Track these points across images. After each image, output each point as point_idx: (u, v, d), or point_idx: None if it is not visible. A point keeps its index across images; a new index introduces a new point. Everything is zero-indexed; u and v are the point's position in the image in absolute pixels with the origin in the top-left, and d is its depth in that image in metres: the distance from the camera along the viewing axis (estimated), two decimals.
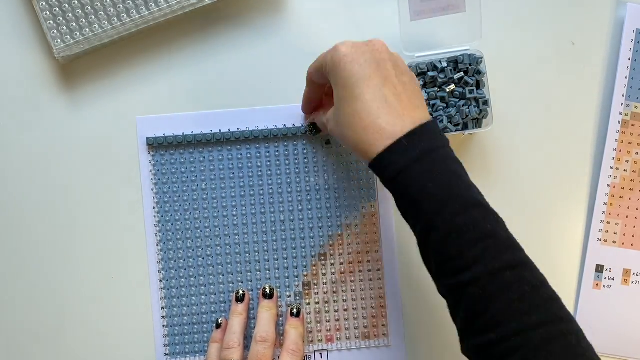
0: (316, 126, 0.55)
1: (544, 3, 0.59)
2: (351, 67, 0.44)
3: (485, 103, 0.54)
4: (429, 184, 0.41)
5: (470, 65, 0.54)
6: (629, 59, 0.58)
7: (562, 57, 0.59)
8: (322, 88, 0.52)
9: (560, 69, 0.59)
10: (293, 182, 0.57)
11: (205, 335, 0.56)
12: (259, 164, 0.57)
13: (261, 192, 0.57)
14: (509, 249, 0.41)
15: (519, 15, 0.59)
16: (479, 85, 0.54)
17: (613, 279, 0.58)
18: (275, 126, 0.57)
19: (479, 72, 0.54)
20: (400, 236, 0.57)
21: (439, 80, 0.54)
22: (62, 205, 0.57)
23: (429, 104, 0.54)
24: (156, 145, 0.57)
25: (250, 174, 0.57)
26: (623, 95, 0.58)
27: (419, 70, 0.54)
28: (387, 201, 0.57)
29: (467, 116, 0.54)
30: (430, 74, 0.54)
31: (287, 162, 0.57)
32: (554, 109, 0.59)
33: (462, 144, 0.58)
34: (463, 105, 0.54)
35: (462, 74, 0.54)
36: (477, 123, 0.54)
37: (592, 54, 0.59)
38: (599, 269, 0.58)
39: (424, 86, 0.54)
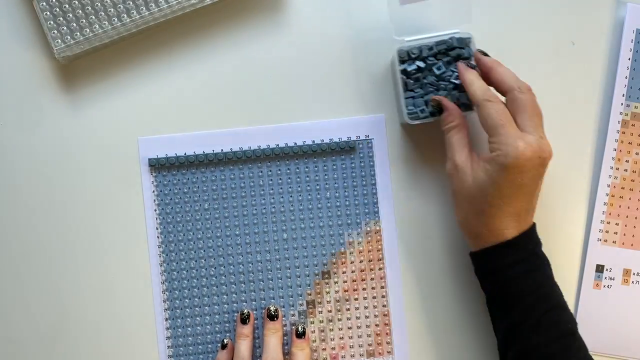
0: (441, 108, 0.52)
1: (544, 3, 0.59)
2: (514, 178, 0.47)
3: None
4: (528, 284, 0.48)
5: (459, 47, 0.54)
6: (629, 59, 0.58)
7: (562, 57, 0.59)
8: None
9: (560, 69, 0.59)
10: (295, 200, 0.57)
11: (210, 355, 0.56)
12: (261, 183, 0.57)
13: (264, 211, 0.57)
14: (580, 349, 0.48)
15: (519, 15, 0.59)
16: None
17: (613, 279, 0.58)
18: (277, 145, 0.57)
19: (469, 55, 0.54)
20: (404, 253, 0.57)
21: (428, 63, 0.54)
22: (62, 210, 0.57)
23: (421, 87, 0.54)
24: (158, 166, 0.56)
25: (253, 193, 0.57)
26: (623, 95, 0.58)
27: (411, 56, 0.54)
28: (390, 219, 0.57)
29: (457, 100, 0.53)
30: (418, 62, 0.53)
31: (289, 180, 0.57)
32: (554, 108, 0.59)
33: None
34: (453, 89, 0.54)
35: (456, 53, 0.53)
36: (468, 107, 0.54)
37: (592, 54, 0.59)
38: (599, 269, 0.58)
39: (416, 72, 0.54)
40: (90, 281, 0.56)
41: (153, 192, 0.56)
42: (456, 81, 0.54)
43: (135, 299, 0.56)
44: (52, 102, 0.57)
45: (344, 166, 0.57)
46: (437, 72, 0.54)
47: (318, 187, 0.57)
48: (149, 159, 0.56)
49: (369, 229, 0.57)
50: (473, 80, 0.50)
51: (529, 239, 0.49)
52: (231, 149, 0.57)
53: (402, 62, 0.54)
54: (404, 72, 0.54)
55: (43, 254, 0.56)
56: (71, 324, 0.56)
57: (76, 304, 0.56)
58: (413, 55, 0.54)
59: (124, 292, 0.56)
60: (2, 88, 0.57)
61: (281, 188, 0.57)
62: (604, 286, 0.58)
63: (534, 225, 0.50)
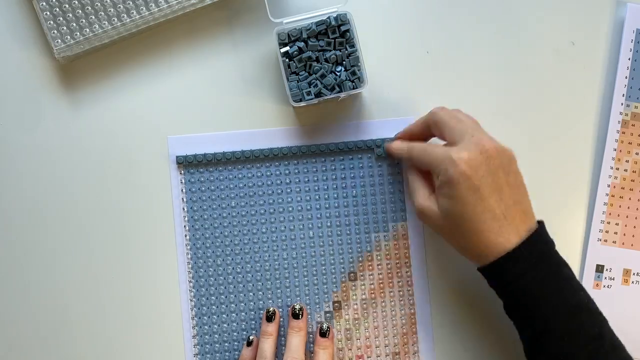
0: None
1: (544, 3, 0.59)
2: (469, 184, 0.46)
3: (357, 63, 0.53)
4: (544, 291, 0.46)
5: (337, 26, 0.53)
6: (629, 59, 0.58)
7: (562, 57, 0.59)
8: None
9: (560, 69, 0.59)
10: (323, 200, 0.57)
11: (236, 353, 0.56)
12: (289, 182, 0.57)
13: (291, 210, 0.57)
14: (613, 350, 0.46)
15: (519, 15, 0.59)
16: (351, 46, 0.53)
17: (613, 279, 0.58)
18: (305, 144, 0.57)
19: (347, 32, 0.53)
20: (430, 257, 0.57)
21: (310, 44, 0.53)
22: (63, 210, 0.56)
23: (304, 69, 0.53)
24: (186, 163, 0.56)
25: (280, 192, 0.57)
26: (623, 95, 0.58)
27: (291, 38, 0.53)
28: (417, 222, 0.57)
29: (339, 78, 0.53)
30: (299, 44, 0.53)
31: (316, 179, 0.57)
32: (553, 109, 0.59)
33: None
34: (336, 70, 0.53)
35: (337, 35, 0.53)
36: (353, 85, 0.53)
37: (592, 54, 0.59)
38: (599, 269, 0.58)
39: (298, 53, 0.53)
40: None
41: (182, 190, 0.56)
42: (349, 56, 0.53)
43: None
44: (52, 102, 0.57)
45: (371, 166, 0.57)
46: (319, 54, 0.53)
47: (346, 187, 0.57)
48: (177, 157, 0.56)
49: (396, 231, 0.57)
50: (402, 150, 0.54)
51: (533, 244, 0.46)
52: (259, 148, 0.57)
53: (283, 44, 0.53)
54: (285, 54, 0.53)
55: (47, 255, 0.56)
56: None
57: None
58: (293, 37, 0.53)
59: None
60: (2, 88, 0.57)
61: (308, 187, 0.57)
62: (604, 286, 0.58)
63: (539, 227, 0.48)
